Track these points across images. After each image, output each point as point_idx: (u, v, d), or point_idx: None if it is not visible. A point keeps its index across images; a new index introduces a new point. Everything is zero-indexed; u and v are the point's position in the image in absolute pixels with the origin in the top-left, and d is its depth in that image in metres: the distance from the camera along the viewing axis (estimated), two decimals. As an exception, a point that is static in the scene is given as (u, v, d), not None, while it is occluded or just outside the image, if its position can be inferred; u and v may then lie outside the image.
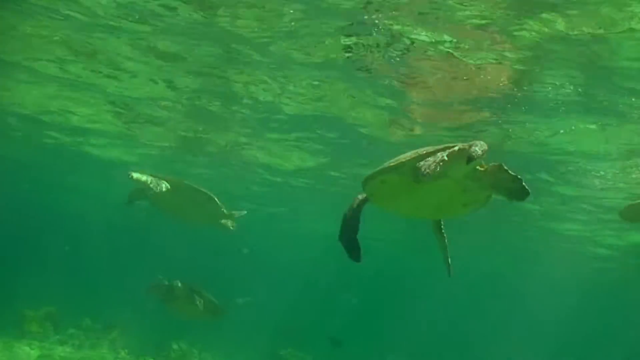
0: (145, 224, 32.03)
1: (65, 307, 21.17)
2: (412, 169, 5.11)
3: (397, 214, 6.34)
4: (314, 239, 29.92)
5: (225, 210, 11.18)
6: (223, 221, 11.28)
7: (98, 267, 31.00)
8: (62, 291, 22.33)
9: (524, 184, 4.90)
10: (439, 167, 4.91)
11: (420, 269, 37.55)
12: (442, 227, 6.15)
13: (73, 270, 27.28)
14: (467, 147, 4.78)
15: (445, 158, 4.89)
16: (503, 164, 4.96)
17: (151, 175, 10.71)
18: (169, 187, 10.69)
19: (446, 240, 6.17)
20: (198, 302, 12.12)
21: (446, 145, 5.05)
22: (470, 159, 4.70)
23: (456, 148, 4.91)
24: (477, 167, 5.00)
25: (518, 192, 4.97)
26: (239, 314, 13.82)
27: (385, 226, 22.38)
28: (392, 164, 5.36)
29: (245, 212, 11.53)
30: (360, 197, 5.88)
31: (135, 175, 10.59)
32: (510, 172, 4.93)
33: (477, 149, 4.68)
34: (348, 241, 5.75)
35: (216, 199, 10.90)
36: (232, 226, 11.36)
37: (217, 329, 20.53)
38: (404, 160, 5.24)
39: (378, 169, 5.54)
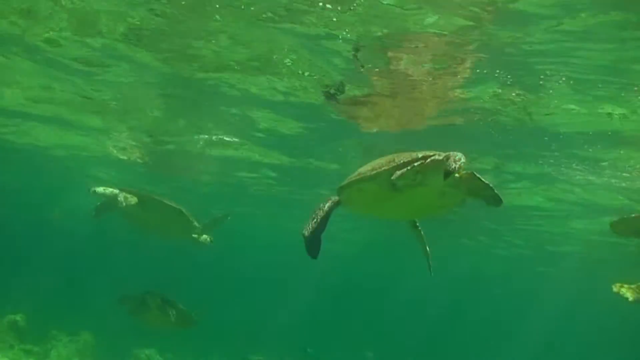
0: (110, 232, 31.75)
1: (30, 315, 20.58)
2: (389, 178, 5.19)
3: (370, 217, 6.49)
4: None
5: (197, 224, 10.95)
6: (197, 236, 11.02)
7: (63, 275, 30.39)
8: (26, 299, 21.69)
9: (496, 191, 5.03)
10: (416, 178, 5.06)
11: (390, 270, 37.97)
12: (417, 223, 6.28)
13: (38, 278, 26.60)
14: (443, 158, 4.84)
15: (422, 169, 5.00)
16: (475, 172, 5.06)
17: (117, 189, 10.50)
18: (136, 201, 10.50)
19: (423, 235, 6.30)
20: (171, 313, 11.97)
21: (424, 154, 5.09)
22: (447, 174, 4.75)
23: (433, 159, 4.96)
24: (454, 174, 5.00)
25: (492, 199, 5.11)
26: (209, 320, 13.59)
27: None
28: (369, 173, 5.45)
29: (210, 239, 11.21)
30: (333, 200, 5.90)
31: (99, 190, 10.39)
32: (482, 180, 5.03)
33: (453, 162, 4.74)
34: (313, 239, 5.68)
35: (186, 213, 10.71)
36: (208, 241, 11.13)
37: (187, 336, 20.27)
38: (380, 169, 5.34)
39: (354, 177, 5.63)
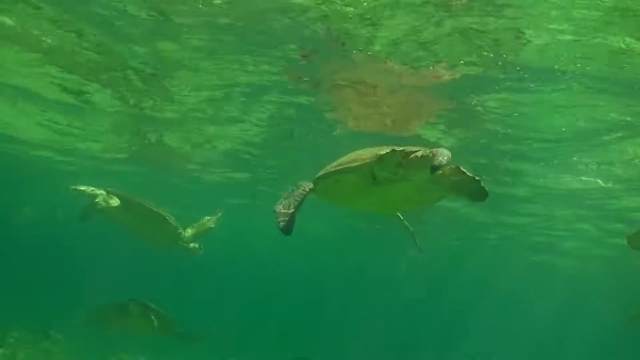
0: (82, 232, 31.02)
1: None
2: (371, 171, 5.14)
3: (344, 209, 6.51)
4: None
5: (184, 232, 10.28)
6: (186, 244, 10.33)
7: (32, 274, 29.54)
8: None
9: (482, 184, 4.97)
10: (399, 173, 4.99)
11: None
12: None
13: (4, 277, 25.79)
14: (430, 154, 4.76)
15: (407, 164, 4.94)
16: (461, 167, 5.01)
17: (100, 189, 9.89)
18: (118, 203, 9.92)
19: (404, 220, 6.43)
20: (154, 319, 11.96)
21: (409, 148, 5.02)
22: (434, 169, 4.67)
23: (419, 154, 4.90)
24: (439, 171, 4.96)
25: (478, 193, 5.01)
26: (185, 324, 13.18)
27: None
28: (351, 165, 5.34)
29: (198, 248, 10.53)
30: (307, 187, 5.82)
31: (80, 188, 9.82)
32: (468, 173, 4.96)
33: (441, 159, 4.65)
34: (286, 218, 5.54)
35: (170, 220, 10.09)
36: (196, 250, 10.44)
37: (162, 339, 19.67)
38: (362, 161, 5.23)
39: (333, 167, 5.58)
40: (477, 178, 4.98)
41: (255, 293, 44.35)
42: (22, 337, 20.34)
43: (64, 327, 20.73)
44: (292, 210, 5.50)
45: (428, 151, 4.86)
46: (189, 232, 10.30)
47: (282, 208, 5.53)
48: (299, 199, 5.65)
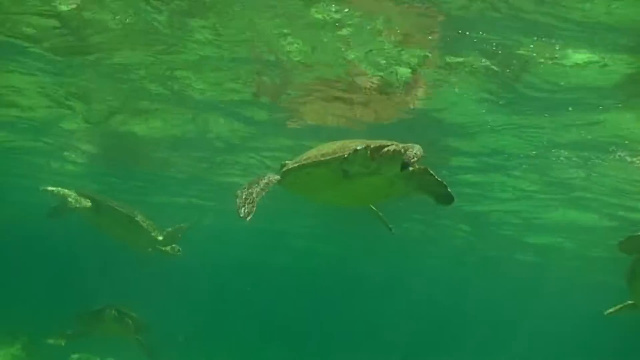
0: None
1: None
2: (342, 165, 5.15)
3: (310, 201, 6.43)
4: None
5: (159, 234, 10.29)
6: (161, 246, 10.36)
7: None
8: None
9: (448, 190, 5.06)
10: (371, 167, 4.99)
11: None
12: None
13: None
14: (402, 149, 4.78)
15: (379, 158, 4.93)
16: (429, 168, 5.06)
17: (71, 190, 9.94)
18: (89, 205, 9.98)
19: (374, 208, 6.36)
20: (131, 323, 12.23)
21: (380, 142, 5.01)
22: (405, 165, 4.73)
23: (391, 149, 4.89)
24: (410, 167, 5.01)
25: (443, 197, 5.12)
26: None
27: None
28: (322, 158, 5.30)
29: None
30: (271, 178, 5.71)
31: (50, 189, 9.86)
32: (435, 177, 5.03)
33: (412, 154, 4.71)
34: (246, 204, 5.43)
35: (141, 221, 10.15)
36: (174, 251, 10.46)
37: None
38: (334, 155, 5.21)
39: (303, 160, 5.50)
40: (443, 182, 5.08)
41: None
42: None
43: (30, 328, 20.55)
44: (254, 200, 5.38)
45: (400, 146, 4.88)
46: (164, 234, 10.31)
47: (245, 196, 5.39)
48: (264, 189, 5.51)
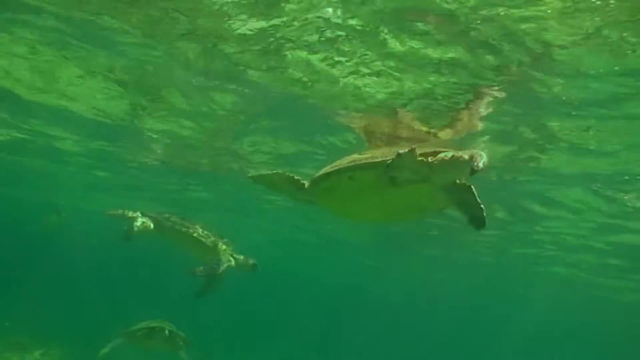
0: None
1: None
2: (392, 168, 4.78)
3: (336, 214, 6.08)
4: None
5: (226, 248, 10.00)
6: (230, 261, 10.03)
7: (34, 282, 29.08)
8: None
9: (484, 214, 4.86)
10: (423, 173, 4.74)
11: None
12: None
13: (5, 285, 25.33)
14: (469, 158, 4.58)
15: (434, 164, 4.72)
16: (472, 187, 4.87)
17: (136, 212, 10.17)
18: (152, 227, 10.02)
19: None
20: (181, 343, 12.54)
21: (435, 148, 4.82)
22: (474, 171, 4.48)
23: (448, 155, 4.70)
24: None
25: (477, 220, 4.93)
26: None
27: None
28: (370, 160, 4.97)
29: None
30: (295, 179, 5.70)
31: (115, 212, 10.10)
32: (476, 197, 4.87)
33: (478, 160, 4.50)
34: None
35: (205, 239, 10.02)
36: (248, 264, 9.99)
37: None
38: (385, 158, 4.84)
39: (346, 163, 5.16)
40: (481, 205, 4.90)
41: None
42: (25, 346, 19.95)
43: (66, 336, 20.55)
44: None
45: (460, 153, 4.69)
46: (230, 248, 10.04)
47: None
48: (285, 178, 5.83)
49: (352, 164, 5.10)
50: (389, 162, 4.74)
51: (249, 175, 6.06)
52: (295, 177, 5.75)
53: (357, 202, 5.46)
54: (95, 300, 27.50)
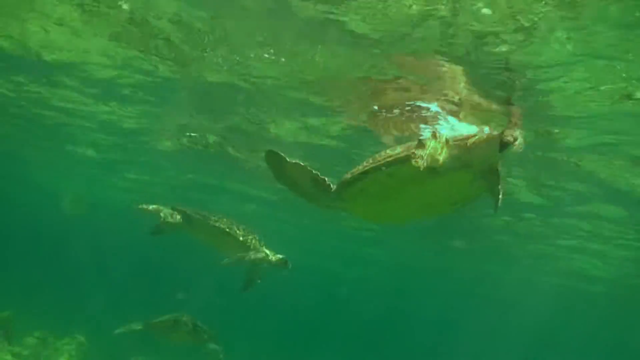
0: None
1: (19, 314, 19.23)
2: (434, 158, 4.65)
3: (368, 218, 5.93)
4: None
5: (257, 244, 9.62)
6: (261, 258, 9.65)
7: (55, 273, 29.05)
8: (17, 296, 20.41)
9: (500, 197, 4.91)
10: (463, 159, 4.68)
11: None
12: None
13: (29, 274, 25.29)
14: (498, 134, 4.60)
15: (473, 146, 4.67)
16: (499, 169, 4.89)
17: (163, 206, 9.92)
18: (180, 220, 9.72)
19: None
20: (205, 336, 12.59)
21: (466, 134, 4.79)
22: (503, 146, 4.53)
23: (484, 135, 4.69)
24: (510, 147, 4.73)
25: (495, 203, 4.94)
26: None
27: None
28: (409, 152, 4.73)
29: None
30: (324, 180, 5.45)
31: (144, 206, 9.85)
32: (499, 179, 4.88)
33: (510, 135, 4.52)
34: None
35: (235, 233, 9.64)
36: (281, 262, 9.64)
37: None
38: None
39: (383, 159, 4.95)
40: (501, 189, 4.89)
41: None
42: (45, 337, 19.88)
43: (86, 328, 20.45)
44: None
45: (494, 132, 4.69)
46: (261, 244, 9.65)
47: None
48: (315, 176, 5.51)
49: (391, 158, 4.90)
50: (439, 144, 4.66)
51: (265, 152, 5.65)
52: (321, 177, 5.45)
53: (392, 201, 5.28)
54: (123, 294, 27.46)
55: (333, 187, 5.44)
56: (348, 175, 5.27)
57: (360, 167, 5.16)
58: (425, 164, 4.50)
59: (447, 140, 4.69)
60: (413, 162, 4.47)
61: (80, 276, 29.48)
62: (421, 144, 4.56)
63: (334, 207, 5.71)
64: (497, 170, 4.86)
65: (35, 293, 22.58)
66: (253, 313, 36.85)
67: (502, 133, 4.56)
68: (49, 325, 20.11)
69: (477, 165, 4.80)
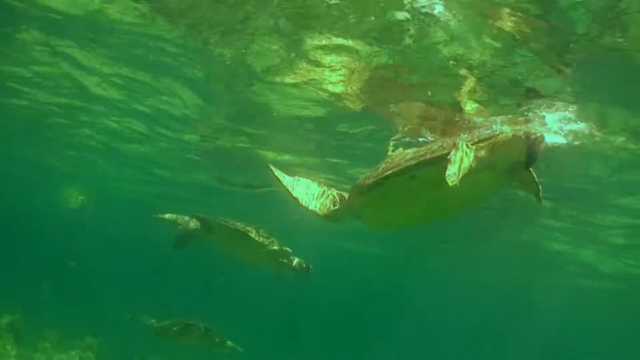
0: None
1: (29, 315, 19.23)
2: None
3: (383, 225, 5.71)
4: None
5: (279, 248, 9.33)
6: (284, 263, 9.36)
7: (65, 272, 28.80)
8: (26, 297, 20.22)
9: (541, 193, 4.87)
10: (487, 159, 4.57)
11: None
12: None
13: (39, 275, 25.11)
14: (522, 135, 4.48)
15: (497, 147, 4.57)
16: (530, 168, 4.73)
17: (182, 215, 9.62)
18: (198, 225, 9.51)
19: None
20: (217, 340, 12.43)
21: (488, 134, 4.69)
22: (531, 156, 4.47)
23: (510, 135, 4.57)
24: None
25: (537, 195, 4.92)
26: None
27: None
28: (435, 154, 4.60)
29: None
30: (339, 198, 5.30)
31: (161, 215, 9.58)
32: (534, 175, 4.79)
33: (540, 141, 4.43)
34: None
35: (255, 235, 9.29)
36: (304, 269, 9.35)
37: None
38: (448, 150, 4.51)
39: (405, 163, 4.74)
40: (539, 185, 4.84)
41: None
42: (53, 338, 19.74)
43: (98, 329, 20.30)
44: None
45: (521, 132, 4.54)
46: (285, 249, 9.33)
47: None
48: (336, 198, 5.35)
49: (415, 161, 4.69)
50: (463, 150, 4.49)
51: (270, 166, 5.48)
52: (332, 196, 5.35)
53: (409, 206, 5.07)
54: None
55: (345, 196, 5.25)
56: (364, 182, 5.03)
57: (378, 172, 4.94)
58: (458, 180, 4.29)
59: (471, 146, 4.52)
60: (449, 181, 4.26)
61: (93, 277, 29.36)
62: (449, 160, 4.39)
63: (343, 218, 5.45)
64: (524, 163, 4.67)
65: (46, 295, 22.43)
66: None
67: (527, 136, 4.47)
68: (59, 327, 19.96)
69: (502, 164, 4.67)
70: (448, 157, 4.39)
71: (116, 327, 19.49)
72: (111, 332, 19.88)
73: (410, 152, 4.92)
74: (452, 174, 4.26)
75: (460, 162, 4.37)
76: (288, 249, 9.39)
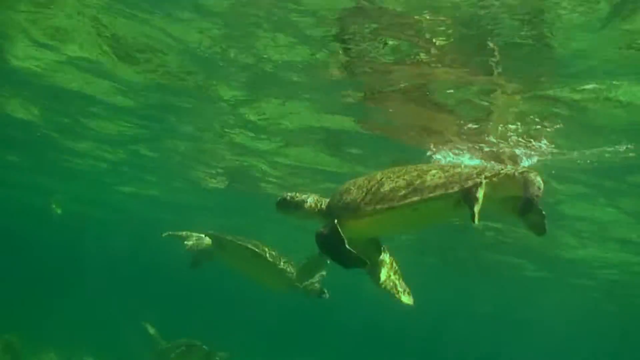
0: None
1: (27, 335, 18.90)
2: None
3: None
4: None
5: (290, 268, 9.12)
6: (297, 284, 9.12)
7: (63, 291, 28.51)
8: (24, 317, 19.89)
9: (545, 220, 4.65)
10: (488, 194, 4.48)
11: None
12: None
13: (36, 295, 24.77)
14: (521, 177, 4.43)
15: (498, 183, 4.52)
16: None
17: (194, 232, 9.60)
18: (209, 243, 9.53)
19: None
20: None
21: (492, 167, 4.67)
22: (527, 204, 4.36)
23: (510, 173, 4.54)
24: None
25: (537, 227, 4.72)
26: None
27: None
28: (438, 189, 4.54)
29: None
30: (328, 228, 4.95)
31: (172, 233, 9.55)
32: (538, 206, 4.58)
33: (537, 189, 4.33)
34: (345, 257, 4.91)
35: (267, 255, 9.09)
36: (316, 291, 9.10)
37: None
38: (459, 184, 4.51)
39: (402, 192, 4.66)
40: (543, 212, 4.61)
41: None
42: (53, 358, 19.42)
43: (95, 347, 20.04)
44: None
45: (520, 170, 4.51)
46: (296, 269, 9.09)
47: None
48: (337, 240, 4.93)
49: (421, 196, 4.61)
50: (476, 184, 4.48)
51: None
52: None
53: (402, 226, 5.22)
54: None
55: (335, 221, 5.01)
56: (364, 205, 4.87)
57: (377, 198, 4.82)
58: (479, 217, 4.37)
59: (484, 182, 4.49)
60: (475, 221, 4.33)
61: (93, 293, 29.03)
62: (471, 199, 4.43)
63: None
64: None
65: (44, 313, 22.09)
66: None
67: (525, 182, 4.41)
68: (57, 347, 19.64)
69: (496, 198, 4.67)
70: (470, 196, 4.41)
71: (116, 347, 19.47)
72: (111, 353, 19.70)
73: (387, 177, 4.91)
74: (476, 213, 4.33)
75: (480, 198, 4.39)
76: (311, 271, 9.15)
